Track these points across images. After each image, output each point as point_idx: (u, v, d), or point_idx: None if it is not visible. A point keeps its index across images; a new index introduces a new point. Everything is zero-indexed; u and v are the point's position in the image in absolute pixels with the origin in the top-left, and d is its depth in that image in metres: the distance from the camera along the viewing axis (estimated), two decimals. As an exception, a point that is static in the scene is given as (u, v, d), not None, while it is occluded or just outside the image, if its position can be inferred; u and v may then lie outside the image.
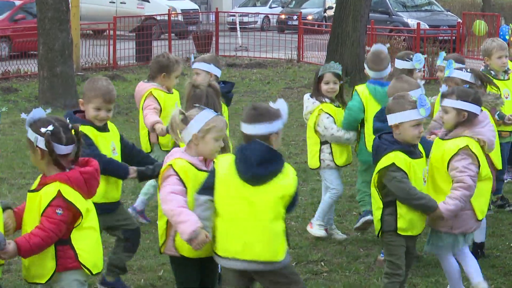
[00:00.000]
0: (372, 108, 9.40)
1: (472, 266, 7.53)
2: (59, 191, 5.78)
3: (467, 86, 8.11)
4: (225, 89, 9.26)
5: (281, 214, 6.31)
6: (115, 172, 7.55)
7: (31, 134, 5.91)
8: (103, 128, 7.62)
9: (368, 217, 9.12)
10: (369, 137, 9.11)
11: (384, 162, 6.95)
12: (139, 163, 7.80)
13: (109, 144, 7.63)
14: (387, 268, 7.21)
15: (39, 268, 5.98)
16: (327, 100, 9.46)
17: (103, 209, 7.05)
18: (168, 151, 7.80)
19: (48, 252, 5.88)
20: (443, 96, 7.55)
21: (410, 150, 7.05)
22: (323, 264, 8.83)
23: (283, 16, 38.17)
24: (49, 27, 19.32)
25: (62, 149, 5.87)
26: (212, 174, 6.44)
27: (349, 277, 8.41)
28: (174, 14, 34.62)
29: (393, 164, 6.90)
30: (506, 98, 10.39)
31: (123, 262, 7.90)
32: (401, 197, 6.94)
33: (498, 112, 10.08)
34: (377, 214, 7.08)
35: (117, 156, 7.70)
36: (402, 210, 7.00)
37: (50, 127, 5.83)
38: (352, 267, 8.72)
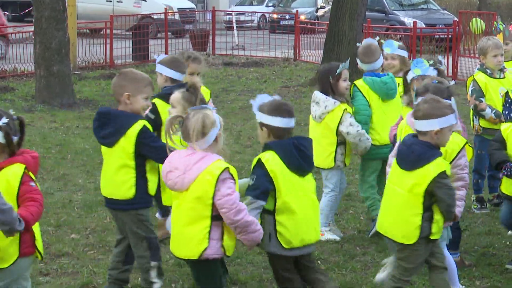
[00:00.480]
0: (374, 101, 9.56)
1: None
2: (25, 169, 5.98)
3: (436, 82, 8.15)
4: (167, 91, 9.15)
5: None
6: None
7: None
8: None
9: None
10: (379, 129, 9.48)
11: (435, 169, 6.87)
12: None
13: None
14: (399, 272, 7.21)
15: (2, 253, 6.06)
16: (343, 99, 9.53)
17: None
18: None
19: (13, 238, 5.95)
20: (418, 94, 7.56)
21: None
22: (320, 263, 8.82)
23: (275, 16, 37.68)
24: (45, 26, 19.30)
25: (14, 139, 6.08)
26: (263, 176, 6.75)
27: (345, 275, 8.43)
28: (170, 12, 34.53)
29: (444, 171, 6.92)
30: (502, 96, 10.41)
31: (126, 275, 7.90)
32: (450, 204, 6.96)
33: (494, 110, 10.11)
34: (416, 220, 6.94)
35: None
36: (437, 216, 7.01)
37: (4, 119, 5.96)
38: (348, 265, 8.74)
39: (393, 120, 9.05)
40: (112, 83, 7.80)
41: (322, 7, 40.27)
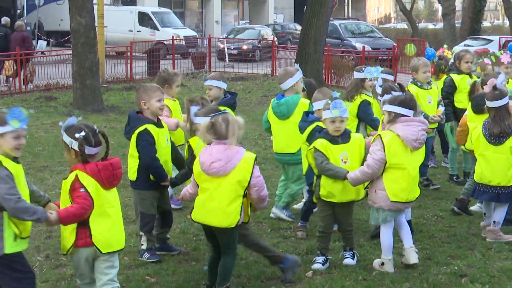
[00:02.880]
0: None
1: (405, 233, 7.54)
2: (76, 175, 5.83)
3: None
4: (231, 100, 9.21)
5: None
6: (156, 176, 7.68)
7: (66, 138, 5.93)
8: (160, 125, 7.82)
9: None
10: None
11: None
12: (173, 160, 8.03)
13: (164, 137, 7.80)
14: (319, 226, 7.63)
15: (64, 241, 6.01)
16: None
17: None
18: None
19: (71, 228, 5.89)
20: (382, 93, 7.60)
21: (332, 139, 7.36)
22: (291, 231, 8.82)
23: (221, 45, 35.88)
24: (81, 50, 19.28)
25: (92, 150, 5.93)
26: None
27: (311, 239, 8.39)
28: (178, 39, 34.59)
29: (314, 147, 7.32)
30: (429, 103, 10.44)
31: (164, 235, 8.10)
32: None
33: (423, 113, 10.15)
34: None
35: (169, 146, 7.89)
36: (323, 181, 7.37)
37: (82, 133, 5.84)
38: (315, 232, 8.70)
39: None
40: (134, 98, 7.95)
41: (265, 39, 39.22)
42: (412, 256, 7.42)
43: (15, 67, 23.56)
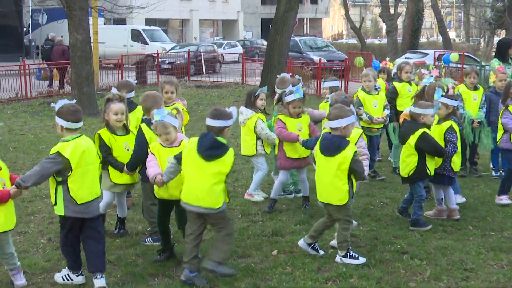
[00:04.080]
0: None
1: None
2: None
3: (344, 97, 8.17)
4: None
5: (222, 179, 6.32)
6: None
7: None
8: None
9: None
10: None
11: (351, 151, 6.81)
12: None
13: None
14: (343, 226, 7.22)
15: None
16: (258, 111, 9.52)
17: None
18: None
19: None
20: (331, 105, 7.61)
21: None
22: (260, 216, 8.80)
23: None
24: (78, 62, 19.12)
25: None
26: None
27: (276, 223, 8.39)
28: (163, 52, 34.32)
29: (356, 151, 6.95)
30: (375, 106, 10.47)
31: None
32: (361, 172, 7.05)
33: (368, 115, 10.22)
34: (344, 187, 6.93)
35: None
36: (354, 181, 7.14)
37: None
38: (279, 217, 8.70)
39: None
40: None
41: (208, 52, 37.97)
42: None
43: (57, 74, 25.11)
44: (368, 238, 7.69)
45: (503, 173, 10.95)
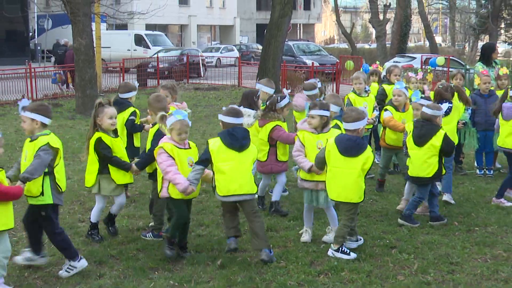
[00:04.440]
0: None
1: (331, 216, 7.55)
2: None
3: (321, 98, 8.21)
4: None
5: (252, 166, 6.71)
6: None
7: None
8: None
9: None
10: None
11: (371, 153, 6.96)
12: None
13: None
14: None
15: None
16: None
17: None
18: None
19: None
20: (310, 108, 7.46)
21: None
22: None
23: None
24: (82, 66, 19.07)
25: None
26: (206, 150, 6.65)
27: (270, 220, 8.34)
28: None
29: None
30: (365, 108, 10.45)
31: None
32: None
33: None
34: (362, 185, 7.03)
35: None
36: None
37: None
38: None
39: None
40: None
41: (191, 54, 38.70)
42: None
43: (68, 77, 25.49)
44: (359, 233, 7.68)
45: (487, 172, 11.01)
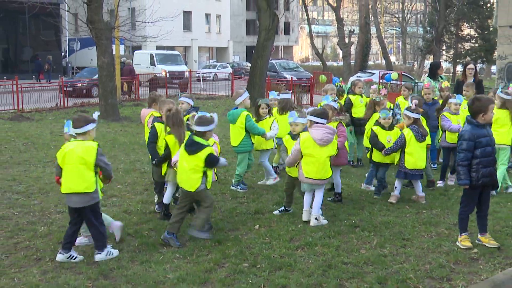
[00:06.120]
0: None
1: (315, 202, 7.45)
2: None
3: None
4: (196, 109, 8.99)
5: (201, 168, 6.42)
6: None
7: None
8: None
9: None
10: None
11: None
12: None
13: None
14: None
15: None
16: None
17: None
18: None
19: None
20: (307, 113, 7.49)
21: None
22: (245, 198, 8.72)
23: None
24: (104, 80, 18.96)
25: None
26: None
27: (258, 204, 8.30)
28: (165, 72, 33.75)
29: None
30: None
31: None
32: None
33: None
34: None
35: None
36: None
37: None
38: (260, 199, 8.62)
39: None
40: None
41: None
42: (305, 216, 7.41)
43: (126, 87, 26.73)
44: (329, 216, 7.67)
45: (431, 165, 11.02)
